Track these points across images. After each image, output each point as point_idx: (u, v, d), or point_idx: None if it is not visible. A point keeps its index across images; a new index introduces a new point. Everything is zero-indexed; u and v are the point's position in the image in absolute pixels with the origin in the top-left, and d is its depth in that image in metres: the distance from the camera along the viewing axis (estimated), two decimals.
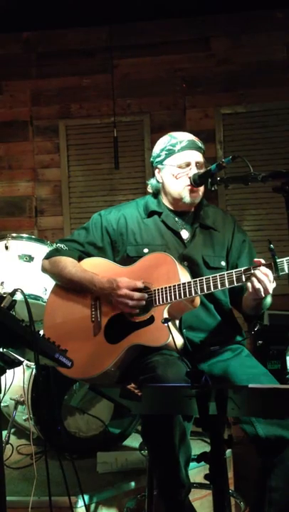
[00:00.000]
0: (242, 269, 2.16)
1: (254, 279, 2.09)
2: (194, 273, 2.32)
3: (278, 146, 4.65)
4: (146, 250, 2.38)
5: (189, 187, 2.36)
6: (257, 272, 2.09)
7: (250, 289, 2.11)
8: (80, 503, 2.45)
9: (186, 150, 2.39)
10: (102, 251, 2.46)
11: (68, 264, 2.42)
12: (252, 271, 2.11)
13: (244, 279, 2.13)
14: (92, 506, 2.55)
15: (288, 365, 3.18)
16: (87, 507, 2.48)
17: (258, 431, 2.09)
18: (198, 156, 2.40)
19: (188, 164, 2.38)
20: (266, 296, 2.17)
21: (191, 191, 2.37)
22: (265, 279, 2.08)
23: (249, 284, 2.11)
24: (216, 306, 2.37)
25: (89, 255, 2.47)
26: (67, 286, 2.44)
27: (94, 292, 2.35)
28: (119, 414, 3.02)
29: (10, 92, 4.94)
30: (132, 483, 2.69)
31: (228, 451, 2.92)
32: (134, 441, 3.09)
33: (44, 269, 2.54)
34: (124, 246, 2.43)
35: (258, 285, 2.09)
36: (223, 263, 2.40)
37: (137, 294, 2.24)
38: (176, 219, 2.45)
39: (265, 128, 4.69)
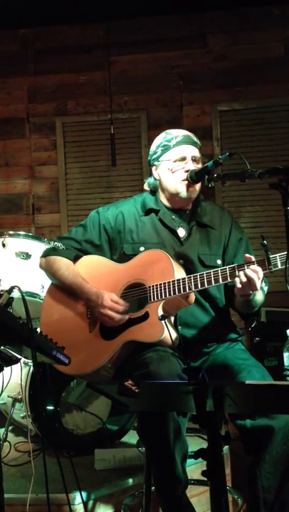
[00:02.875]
0: (235, 265, 2.16)
1: (241, 273, 2.10)
2: (189, 271, 2.32)
3: (275, 142, 4.65)
4: (142, 248, 2.38)
5: (186, 182, 2.36)
6: (244, 267, 2.10)
7: (238, 284, 2.11)
8: (78, 499, 2.45)
9: (181, 145, 2.39)
10: (100, 249, 2.46)
11: (62, 266, 2.43)
12: (245, 267, 2.11)
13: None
14: (90, 503, 2.55)
15: (285, 362, 3.19)
16: (84, 504, 2.49)
17: (246, 422, 2.10)
18: (194, 151, 2.40)
19: (183, 158, 2.38)
20: (255, 294, 2.17)
21: (188, 186, 2.37)
22: (254, 276, 2.08)
23: (237, 279, 2.11)
24: (210, 303, 2.38)
25: (86, 253, 2.48)
26: (61, 287, 2.45)
27: (82, 299, 2.37)
28: (116, 411, 3.03)
29: (6, 89, 4.93)
30: (130, 480, 2.70)
31: (226, 448, 2.92)
32: (131, 438, 3.09)
33: (41, 267, 2.56)
34: (122, 244, 2.43)
35: (244, 279, 2.09)
36: (219, 261, 2.40)
37: (118, 317, 2.25)
38: (173, 217, 2.45)
39: (262, 125, 4.69)
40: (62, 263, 2.44)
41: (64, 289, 2.44)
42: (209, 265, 2.36)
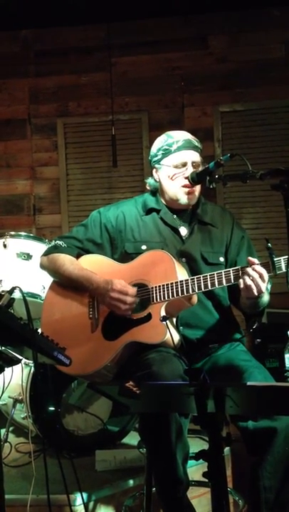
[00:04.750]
0: (239, 267, 2.16)
1: (246, 276, 2.10)
2: (193, 269, 2.33)
3: (276, 144, 4.65)
4: (144, 247, 2.38)
5: (184, 188, 2.37)
6: (249, 270, 2.10)
7: (242, 285, 2.12)
8: (79, 501, 2.45)
9: (182, 150, 2.39)
10: (101, 248, 2.46)
11: (66, 261, 2.42)
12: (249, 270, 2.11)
13: None
14: (91, 504, 2.55)
15: (286, 364, 3.19)
16: (85, 505, 2.48)
17: (248, 424, 2.10)
18: (194, 156, 2.40)
19: (184, 164, 2.38)
20: (262, 295, 2.17)
21: (188, 193, 2.37)
22: (256, 276, 2.08)
23: (241, 281, 2.12)
24: (214, 302, 2.37)
25: (87, 252, 2.47)
26: (65, 284, 2.44)
27: (90, 291, 2.35)
28: (117, 412, 3.02)
29: (8, 90, 4.93)
30: (131, 481, 2.70)
31: (227, 449, 2.92)
32: (132, 439, 3.09)
33: (42, 266, 2.55)
34: (123, 243, 2.43)
35: (249, 282, 2.09)
36: (221, 259, 2.41)
37: (129, 299, 2.24)
38: (175, 216, 2.46)
39: (263, 126, 4.69)
40: (66, 259, 2.43)
41: (65, 288, 2.43)
42: (212, 263, 2.37)
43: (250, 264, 2.13)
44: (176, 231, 2.42)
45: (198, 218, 2.45)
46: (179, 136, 2.43)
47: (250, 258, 2.15)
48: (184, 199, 2.39)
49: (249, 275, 2.10)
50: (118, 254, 2.44)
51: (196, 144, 2.44)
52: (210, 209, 2.51)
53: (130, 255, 2.39)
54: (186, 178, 2.35)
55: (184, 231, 2.44)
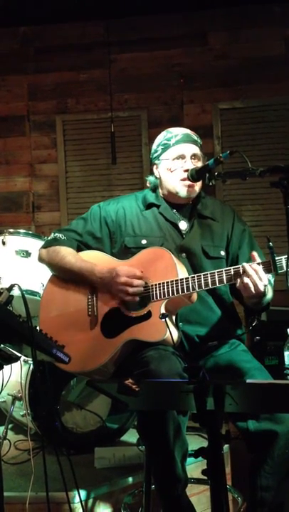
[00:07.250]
0: (240, 265, 2.15)
1: (243, 274, 2.10)
2: (194, 264, 2.32)
3: (276, 141, 4.64)
4: (144, 241, 2.38)
5: (184, 181, 2.36)
6: (246, 266, 2.09)
7: (238, 284, 2.11)
8: (78, 498, 2.45)
9: (180, 143, 2.39)
10: (100, 242, 2.46)
11: (68, 254, 2.41)
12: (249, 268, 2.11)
13: None
14: (90, 502, 2.55)
15: (286, 361, 3.18)
16: (84, 502, 2.48)
17: (249, 425, 2.09)
18: (193, 149, 2.40)
19: (182, 157, 2.38)
20: (265, 293, 2.16)
21: (188, 186, 2.36)
22: (253, 274, 2.08)
23: (238, 280, 2.11)
24: (215, 298, 2.36)
25: (86, 245, 2.46)
26: (66, 277, 2.41)
27: (94, 282, 2.33)
28: (116, 410, 3.02)
29: (7, 86, 4.92)
30: (130, 479, 2.70)
31: (226, 447, 2.92)
32: (131, 436, 3.09)
33: (41, 259, 2.52)
34: (123, 237, 2.42)
35: (246, 280, 2.09)
36: (222, 253, 2.40)
37: (136, 281, 2.23)
38: (174, 211, 2.45)
39: (262, 123, 4.68)
40: (67, 251, 2.41)
41: (64, 284, 2.42)
42: (213, 256, 2.36)
43: (253, 259, 2.12)
44: (176, 226, 2.42)
45: (198, 212, 2.44)
46: (178, 131, 2.44)
47: (253, 254, 2.14)
48: (183, 192, 2.38)
49: (246, 273, 2.09)
50: (117, 248, 2.44)
51: (195, 138, 2.43)
52: (210, 203, 2.51)
53: (130, 249, 2.38)
54: (186, 170, 2.34)
55: (183, 225, 2.43)
